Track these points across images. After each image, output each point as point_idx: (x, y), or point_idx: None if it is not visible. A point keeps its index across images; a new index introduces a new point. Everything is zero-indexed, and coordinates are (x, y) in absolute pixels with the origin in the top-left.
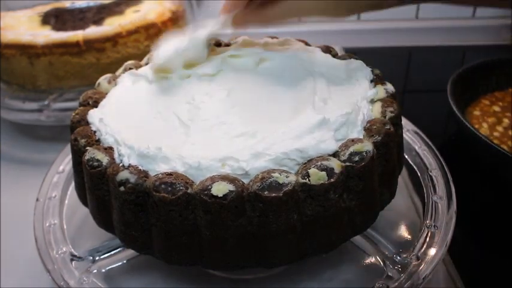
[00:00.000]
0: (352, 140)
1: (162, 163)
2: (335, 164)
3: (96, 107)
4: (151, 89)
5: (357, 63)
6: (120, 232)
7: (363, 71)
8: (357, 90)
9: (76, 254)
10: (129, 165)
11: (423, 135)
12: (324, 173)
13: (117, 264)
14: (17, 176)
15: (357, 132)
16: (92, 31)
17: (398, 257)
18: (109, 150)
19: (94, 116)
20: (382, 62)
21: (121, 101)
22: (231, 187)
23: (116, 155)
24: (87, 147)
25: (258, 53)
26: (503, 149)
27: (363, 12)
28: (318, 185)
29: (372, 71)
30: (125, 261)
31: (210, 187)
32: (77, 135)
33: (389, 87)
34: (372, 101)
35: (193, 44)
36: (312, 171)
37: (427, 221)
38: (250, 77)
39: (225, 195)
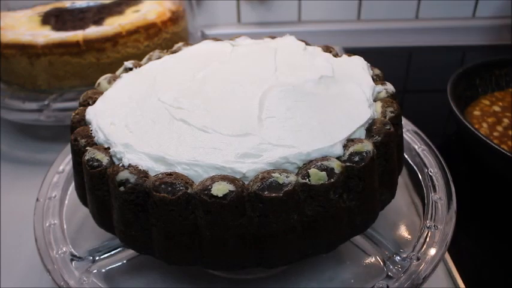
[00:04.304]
0: (352, 140)
1: (154, 162)
2: (335, 164)
3: None
4: (147, 87)
5: (357, 63)
6: (120, 232)
7: (364, 71)
8: (362, 91)
9: (76, 254)
10: (129, 165)
11: (423, 135)
12: (324, 173)
13: (117, 264)
14: (17, 176)
15: (358, 132)
16: (92, 31)
17: (398, 257)
18: (109, 150)
19: (90, 112)
20: (382, 62)
21: (116, 99)
22: (231, 187)
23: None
24: (87, 147)
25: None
26: (503, 149)
27: None
28: (318, 185)
29: (372, 70)
30: (124, 261)
31: (210, 187)
32: (77, 135)
33: (390, 87)
34: (374, 101)
35: None
36: (312, 171)
37: (427, 221)
38: (249, 79)
39: (225, 195)
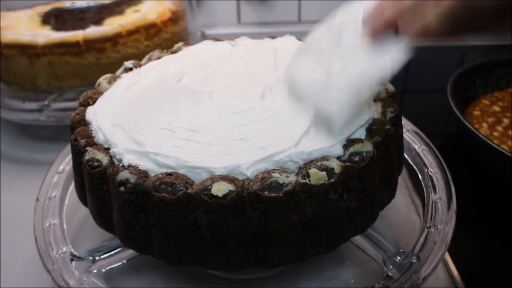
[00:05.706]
0: (352, 140)
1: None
2: (335, 164)
3: None
4: (144, 89)
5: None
6: (120, 232)
7: None
8: None
9: (76, 254)
10: (129, 165)
11: (423, 135)
12: (324, 173)
13: (117, 264)
14: (17, 176)
15: (358, 132)
16: (92, 31)
17: (399, 257)
18: (109, 150)
19: (90, 112)
20: None
21: (116, 99)
22: (231, 187)
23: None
24: (87, 148)
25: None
26: (503, 149)
27: None
28: (318, 185)
29: None
30: (124, 261)
31: (210, 187)
32: (77, 135)
33: (390, 87)
34: (374, 101)
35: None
36: (312, 171)
37: (427, 221)
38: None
39: (225, 195)
